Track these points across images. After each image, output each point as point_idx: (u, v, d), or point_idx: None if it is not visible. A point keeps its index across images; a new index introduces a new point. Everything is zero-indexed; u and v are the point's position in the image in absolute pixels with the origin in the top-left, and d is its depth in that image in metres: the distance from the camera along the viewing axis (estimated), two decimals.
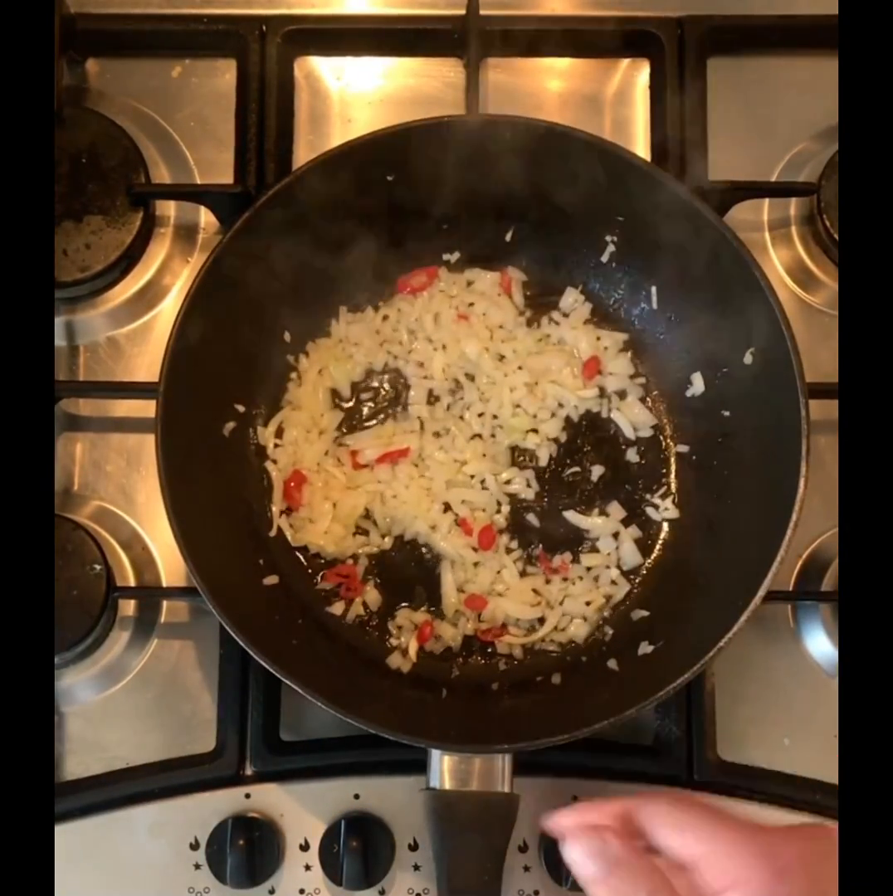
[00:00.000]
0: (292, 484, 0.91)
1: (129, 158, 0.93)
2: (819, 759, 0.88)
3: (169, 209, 0.97)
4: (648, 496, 0.92)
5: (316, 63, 1.01)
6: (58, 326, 0.94)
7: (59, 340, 0.94)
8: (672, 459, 0.93)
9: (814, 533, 0.91)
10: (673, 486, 0.92)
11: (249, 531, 0.90)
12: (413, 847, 0.85)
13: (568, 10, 1.01)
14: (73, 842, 0.84)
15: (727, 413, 0.88)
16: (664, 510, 0.91)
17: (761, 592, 0.76)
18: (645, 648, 0.86)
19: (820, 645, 0.90)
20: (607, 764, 0.87)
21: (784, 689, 0.90)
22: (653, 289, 0.92)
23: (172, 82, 1.00)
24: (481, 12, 0.96)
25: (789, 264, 0.97)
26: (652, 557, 0.91)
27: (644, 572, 0.91)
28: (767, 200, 0.97)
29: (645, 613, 0.89)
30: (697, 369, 0.90)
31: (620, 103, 1.00)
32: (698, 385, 0.90)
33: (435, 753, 0.78)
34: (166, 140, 0.98)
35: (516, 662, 0.89)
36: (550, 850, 0.83)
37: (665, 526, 0.92)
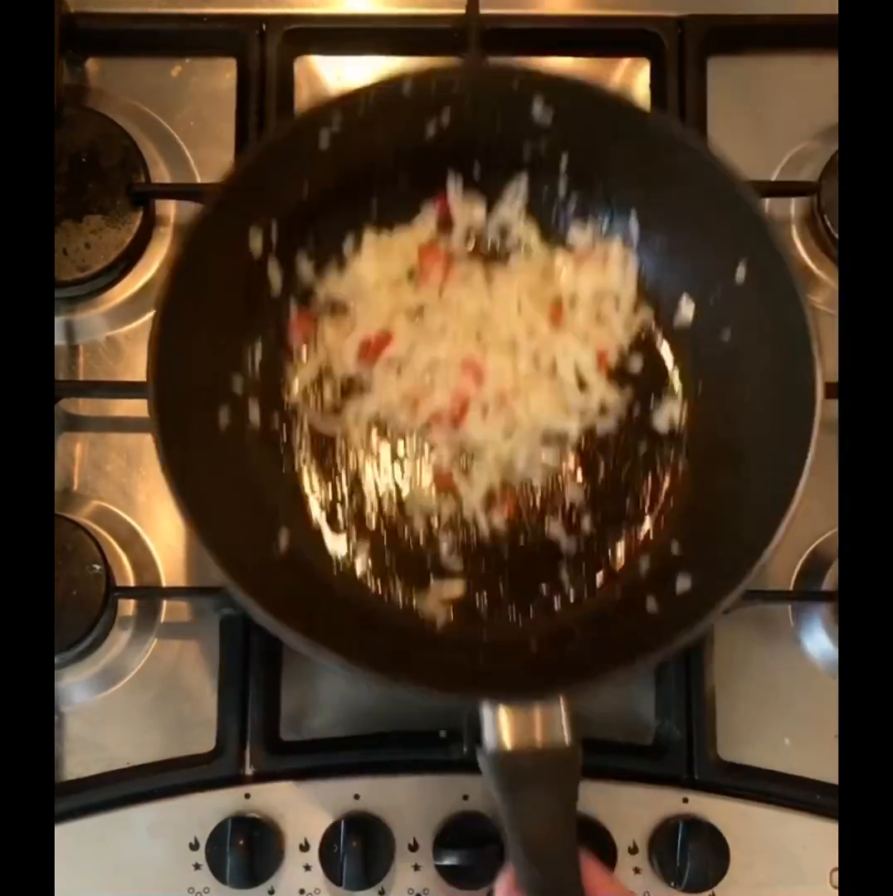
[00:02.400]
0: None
1: (129, 158, 0.93)
2: (819, 759, 0.88)
3: (169, 209, 0.97)
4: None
5: (316, 63, 1.01)
6: (58, 326, 0.94)
7: (59, 340, 0.94)
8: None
9: (814, 533, 0.91)
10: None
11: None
12: (413, 847, 0.85)
13: (568, 9, 1.01)
14: (73, 842, 0.84)
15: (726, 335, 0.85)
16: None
17: (789, 513, 0.73)
18: (684, 584, 0.81)
19: (820, 645, 0.90)
20: (607, 764, 0.86)
21: (784, 689, 0.90)
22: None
23: (172, 82, 1.00)
24: (481, 12, 0.96)
25: None
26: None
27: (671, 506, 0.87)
28: (767, 200, 0.97)
29: (677, 545, 0.85)
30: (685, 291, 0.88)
31: None
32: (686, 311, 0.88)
33: (487, 711, 0.72)
34: (166, 140, 0.98)
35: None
36: None
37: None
